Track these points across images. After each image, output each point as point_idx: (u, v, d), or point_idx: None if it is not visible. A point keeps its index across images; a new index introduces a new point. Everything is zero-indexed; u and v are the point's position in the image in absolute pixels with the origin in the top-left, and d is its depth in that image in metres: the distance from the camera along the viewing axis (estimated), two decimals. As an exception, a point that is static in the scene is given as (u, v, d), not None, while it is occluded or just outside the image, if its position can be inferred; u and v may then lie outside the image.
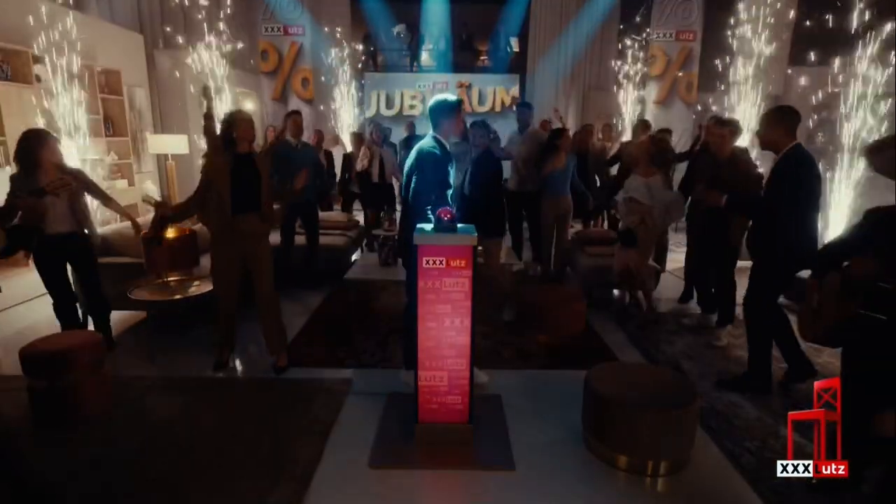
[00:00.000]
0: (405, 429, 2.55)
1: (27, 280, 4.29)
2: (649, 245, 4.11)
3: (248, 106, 9.70)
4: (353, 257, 5.75)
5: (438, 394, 2.49)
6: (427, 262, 2.32)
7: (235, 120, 3.02)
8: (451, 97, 2.85)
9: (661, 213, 3.96)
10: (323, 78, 9.23)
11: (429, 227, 2.41)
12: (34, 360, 2.56)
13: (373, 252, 5.66)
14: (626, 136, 6.73)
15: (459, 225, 2.41)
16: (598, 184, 6.20)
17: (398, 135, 8.23)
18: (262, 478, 2.19)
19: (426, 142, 2.81)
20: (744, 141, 5.25)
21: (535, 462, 2.37)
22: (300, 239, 4.89)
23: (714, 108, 6.76)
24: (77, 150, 5.06)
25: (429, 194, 2.64)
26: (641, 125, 5.91)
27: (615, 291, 4.67)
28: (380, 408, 2.80)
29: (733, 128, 3.79)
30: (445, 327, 2.39)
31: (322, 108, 9.38)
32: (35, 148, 3.10)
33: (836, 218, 4.82)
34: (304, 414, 2.72)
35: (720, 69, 7.21)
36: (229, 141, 3.01)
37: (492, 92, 11.01)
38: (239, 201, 2.98)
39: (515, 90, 11.00)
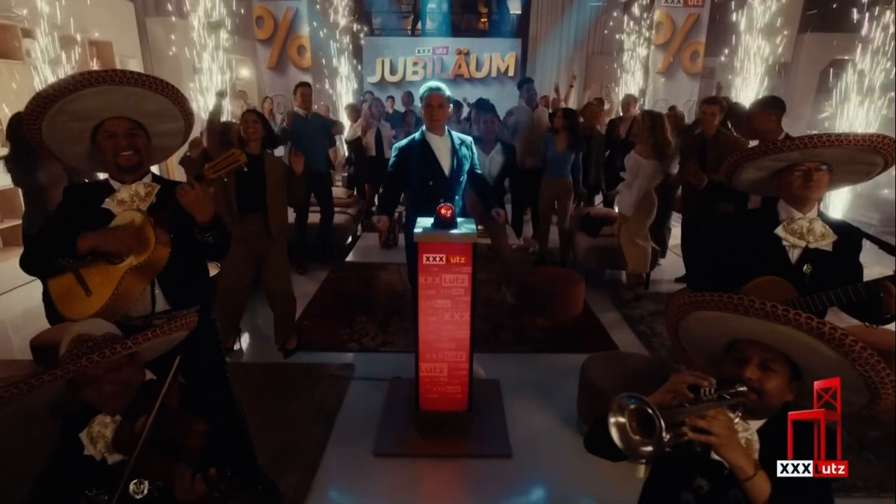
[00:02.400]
0: (407, 416, 2.64)
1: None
2: (646, 219, 4.09)
3: (244, 73, 9.49)
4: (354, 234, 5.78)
5: (439, 384, 2.57)
6: (427, 258, 2.35)
7: (243, 120, 3.05)
8: (423, 88, 2.83)
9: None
10: (320, 49, 8.99)
11: (429, 222, 2.43)
12: (46, 351, 2.63)
13: (373, 232, 5.67)
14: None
15: (460, 219, 2.43)
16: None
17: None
18: (271, 468, 2.28)
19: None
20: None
21: (532, 449, 2.46)
22: (314, 217, 4.89)
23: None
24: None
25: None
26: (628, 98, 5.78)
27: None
28: (382, 393, 2.89)
29: (721, 105, 3.77)
30: (445, 321, 2.44)
31: (321, 71, 9.16)
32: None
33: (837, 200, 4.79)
34: (309, 401, 2.81)
35: (727, 36, 7.04)
36: (240, 141, 3.05)
37: (488, 58, 10.79)
38: (244, 202, 3.00)
39: (513, 56, 10.76)
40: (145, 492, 1.20)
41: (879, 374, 1.01)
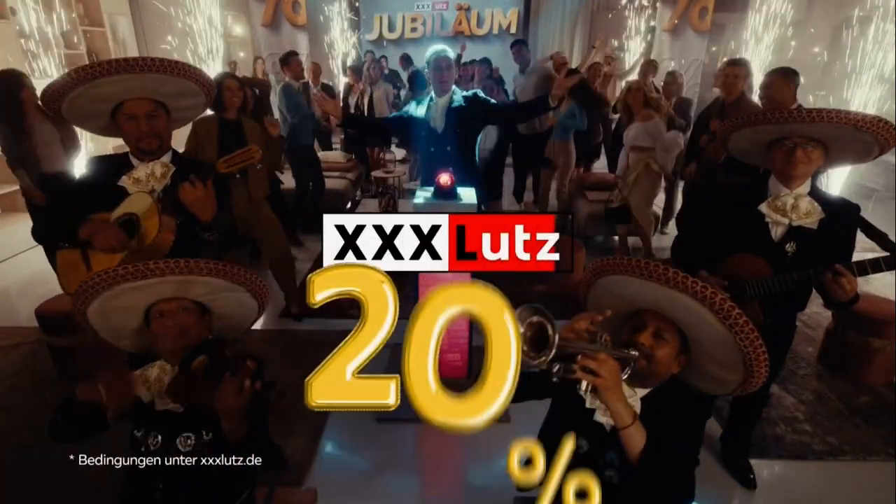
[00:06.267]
0: (408, 382, 2.70)
1: (21, 230, 4.26)
2: (652, 189, 4.11)
3: (237, 31, 9.18)
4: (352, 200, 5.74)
5: (439, 351, 2.61)
6: (427, 228, 2.35)
7: (223, 86, 2.89)
8: (429, 52, 2.75)
9: (661, 154, 3.94)
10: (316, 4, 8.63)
11: (430, 191, 2.41)
12: (51, 320, 2.66)
13: (373, 198, 5.63)
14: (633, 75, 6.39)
15: (460, 189, 2.42)
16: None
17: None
18: (276, 432, 2.35)
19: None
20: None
21: (529, 415, 2.50)
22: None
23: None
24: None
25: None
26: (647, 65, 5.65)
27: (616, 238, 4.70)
28: (384, 360, 2.93)
29: (746, 68, 3.65)
30: (445, 291, 2.46)
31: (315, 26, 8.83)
32: (14, 93, 3.04)
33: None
34: (312, 367, 2.84)
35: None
36: (218, 105, 2.91)
37: (490, 14, 10.40)
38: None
39: (515, 12, 10.37)
40: (192, 446, 1.26)
41: (756, 350, 1.05)
